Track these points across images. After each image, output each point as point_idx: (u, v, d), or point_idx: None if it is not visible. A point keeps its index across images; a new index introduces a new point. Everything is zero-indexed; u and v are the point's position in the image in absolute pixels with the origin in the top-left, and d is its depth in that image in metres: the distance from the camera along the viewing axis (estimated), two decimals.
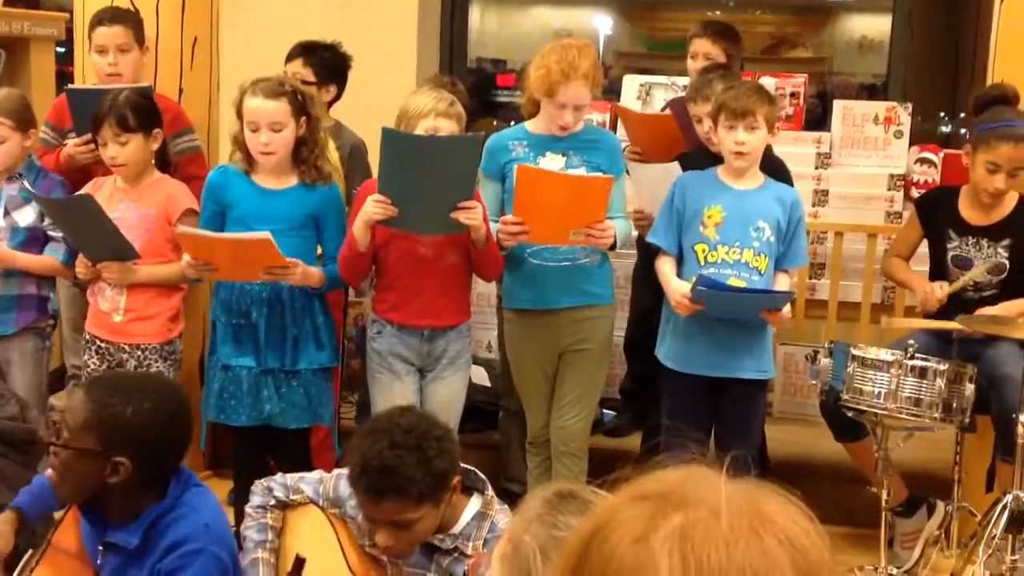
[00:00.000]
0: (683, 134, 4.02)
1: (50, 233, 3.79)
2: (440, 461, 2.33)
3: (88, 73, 4.28)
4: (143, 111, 3.59)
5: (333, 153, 4.09)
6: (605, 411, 4.75)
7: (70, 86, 4.21)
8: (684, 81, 5.31)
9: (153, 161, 3.68)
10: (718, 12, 9.11)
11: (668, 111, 4.36)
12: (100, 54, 3.99)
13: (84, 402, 2.25)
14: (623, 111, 4.56)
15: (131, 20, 4.05)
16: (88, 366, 3.67)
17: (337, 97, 4.34)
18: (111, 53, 3.97)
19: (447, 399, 3.49)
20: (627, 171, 3.86)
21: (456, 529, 2.47)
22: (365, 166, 4.25)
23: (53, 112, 4.17)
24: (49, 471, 2.34)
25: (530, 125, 3.61)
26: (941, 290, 3.69)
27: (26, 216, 3.79)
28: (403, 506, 2.31)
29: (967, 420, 3.42)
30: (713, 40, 4.30)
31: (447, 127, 3.32)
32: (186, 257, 3.41)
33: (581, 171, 3.49)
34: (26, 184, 3.74)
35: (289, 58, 4.26)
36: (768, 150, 3.65)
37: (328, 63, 4.27)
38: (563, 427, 3.62)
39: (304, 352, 3.47)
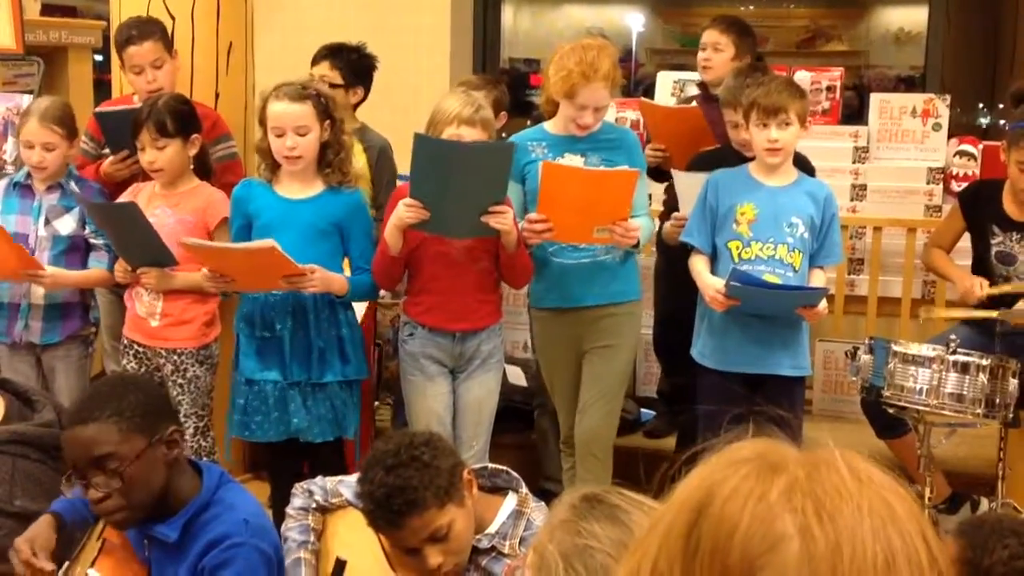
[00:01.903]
0: (712, 130, 3.98)
1: (92, 241, 3.82)
2: (439, 460, 2.30)
3: (126, 82, 4.29)
4: (181, 117, 3.61)
5: (360, 156, 4.09)
6: (644, 411, 4.74)
7: (98, 109, 4.24)
8: None
9: (192, 167, 3.70)
10: (751, 7, 9.05)
11: (695, 104, 4.32)
12: (136, 74, 3.99)
13: (106, 424, 2.20)
14: (646, 106, 4.49)
15: (157, 31, 4.03)
16: (127, 370, 3.71)
17: (363, 99, 4.34)
18: (147, 70, 3.97)
19: (480, 399, 3.50)
20: (656, 176, 3.81)
21: (492, 528, 2.46)
22: (392, 168, 4.26)
23: (91, 124, 4.20)
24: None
25: (549, 126, 3.61)
26: (982, 289, 3.64)
27: (66, 224, 3.83)
28: (428, 517, 2.27)
29: (1011, 416, 3.38)
30: (721, 31, 4.27)
31: (470, 135, 3.29)
32: (204, 270, 3.41)
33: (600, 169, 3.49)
34: (73, 185, 3.79)
35: (315, 61, 4.27)
36: None
37: (355, 65, 4.28)
38: (585, 428, 3.61)
39: (330, 365, 3.45)
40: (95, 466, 2.21)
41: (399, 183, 4.04)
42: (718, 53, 4.24)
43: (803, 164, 3.68)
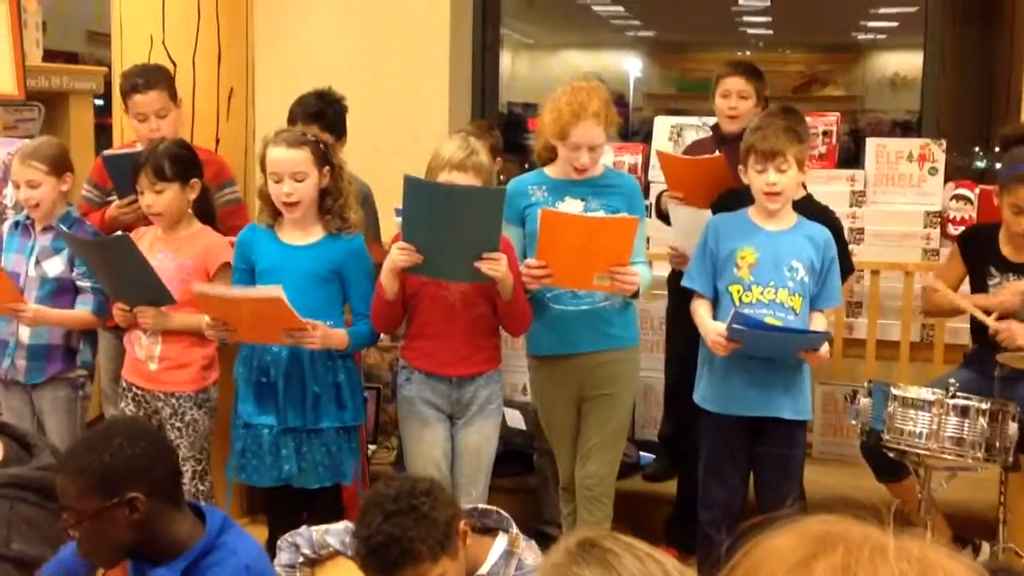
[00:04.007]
0: (733, 173, 3.97)
1: (79, 284, 3.82)
2: (438, 512, 2.30)
3: (127, 128, 4.30)
4: (180, 161, 3.62)
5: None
6: (643, 454, 4.72)
7: (106, 152, 4.23)
8: (715, 121, 5.28)
9: (191, 211, 3.70)
10: (748, 52, 9.14)
11: (718, 152, 4.26)
12: (140, 121, 4.00)
13: (68, 477, 2.26)
14: (665, 157, 4.36)
15: (164, 80, 4.04)
16: (125, 414, 3.69)
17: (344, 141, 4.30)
18: (151, 119, 3.99)
19: (478, 445, 3.47)
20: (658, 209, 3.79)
21: (484, 570, 2.46)
22: (374, 215, 4.24)
23: (95, 171, 4.20)
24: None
25: (549, 170, 3.60)
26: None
27: (55, 266, 3.83)
28: (421, 569, 2.27)
29: (1011, 459, 3.36)
30: (747, 78, 4.29)
31: (462, 180, 3.28)
32: (205, 318, 3.39)
33: (600, 214, 3.48)
34: (60, 225, 3.78)
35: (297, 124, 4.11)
36: (810, 197, 3.63)
37: (336, 116, 4.20)
38: (587, 474, 3.58)
39: (326, 411, 3.43)
40: (65, 511, 2.28)
41: (395, 219, 4.03)
42: (744, 100, 4.25)
43: (814, 209, 3.69)
